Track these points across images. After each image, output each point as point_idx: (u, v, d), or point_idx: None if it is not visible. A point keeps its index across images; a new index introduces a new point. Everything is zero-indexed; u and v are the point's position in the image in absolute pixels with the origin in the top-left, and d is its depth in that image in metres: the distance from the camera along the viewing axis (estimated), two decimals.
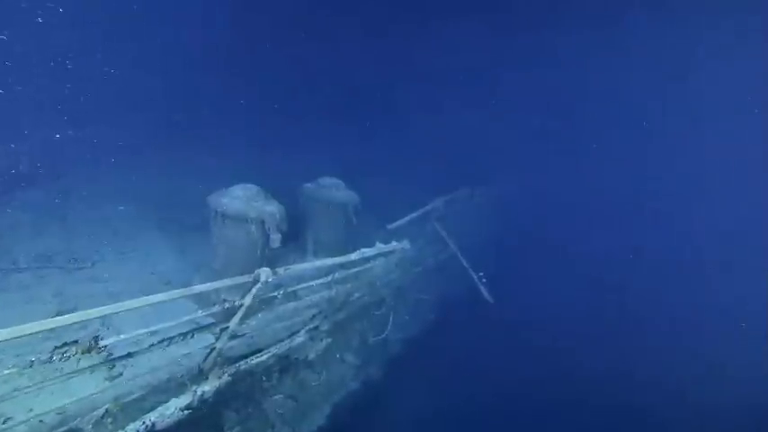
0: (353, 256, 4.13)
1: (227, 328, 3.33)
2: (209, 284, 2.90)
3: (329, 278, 4.23)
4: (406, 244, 4.95)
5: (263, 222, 4.96)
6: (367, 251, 4.33)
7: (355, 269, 4.44)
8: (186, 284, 5.46)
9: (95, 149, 8.21)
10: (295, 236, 6.59)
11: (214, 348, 3.42)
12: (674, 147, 14.49)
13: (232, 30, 11.78)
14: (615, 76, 14.52)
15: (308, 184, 6.54)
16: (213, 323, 3.26)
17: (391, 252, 4.77)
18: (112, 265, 5.39)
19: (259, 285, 3.17)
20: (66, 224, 6.03)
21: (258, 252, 5.10)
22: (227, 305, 3.12)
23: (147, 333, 2.75)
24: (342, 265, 4.27)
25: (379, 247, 4.51)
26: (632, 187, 14.37)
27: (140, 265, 5.57)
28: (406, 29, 15.31)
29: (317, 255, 6.63)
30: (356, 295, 5.59)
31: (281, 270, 3.30)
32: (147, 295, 5.09)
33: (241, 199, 4.91)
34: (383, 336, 6.82)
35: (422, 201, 7.46)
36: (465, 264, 6.86)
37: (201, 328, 3.16)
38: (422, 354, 7.74)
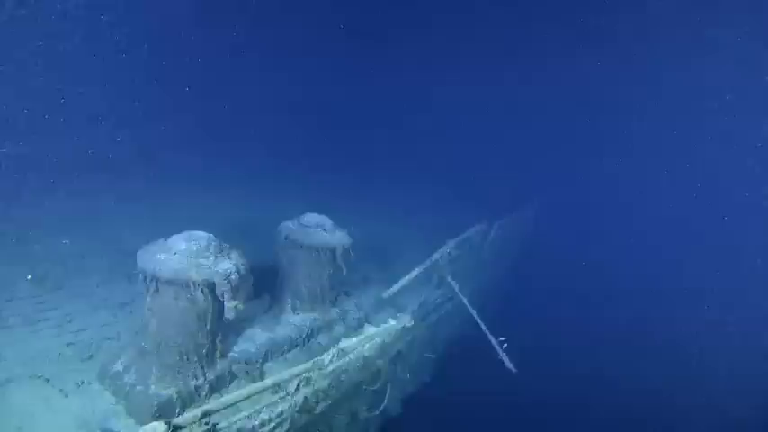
0: (327, 358, 2.78)
1: None
2: None
3: (294, 384, 2.88)
4: (407, 320, 3.61)
5: (213, 286, 3.63)
6: (349, 344, 2.97)
7: (333, 366, 3.07)
8: (110, 363, 4.13)
9: (43, 168, 6.96)
10: (270, 287, 5.26)
11: None
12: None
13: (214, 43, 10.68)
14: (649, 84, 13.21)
15: (288, 223, 5.17)
16: None
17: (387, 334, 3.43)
18: (14, 334, 4.03)
19: None
20: None
21: (207, 325, 3.75)
22: None
23: None
24: (314, 367, 2.91)
25: (369, 334, 3.16)
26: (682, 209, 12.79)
27: (57, 332, 4.21)
28: (409, 44, 14.19)
29: (295, 311, 5.26)
30: (342, 378, 4.22)
31: (192, 415, 1.95)
32: (47, 381, 3.77)
33: (182, 254, 3.57)
34: (378, 411, 5.49)
35: (425, 240, 6.15)
36: (483, 328, 5.47)
37: None
38: (424, 412, 6.63)
